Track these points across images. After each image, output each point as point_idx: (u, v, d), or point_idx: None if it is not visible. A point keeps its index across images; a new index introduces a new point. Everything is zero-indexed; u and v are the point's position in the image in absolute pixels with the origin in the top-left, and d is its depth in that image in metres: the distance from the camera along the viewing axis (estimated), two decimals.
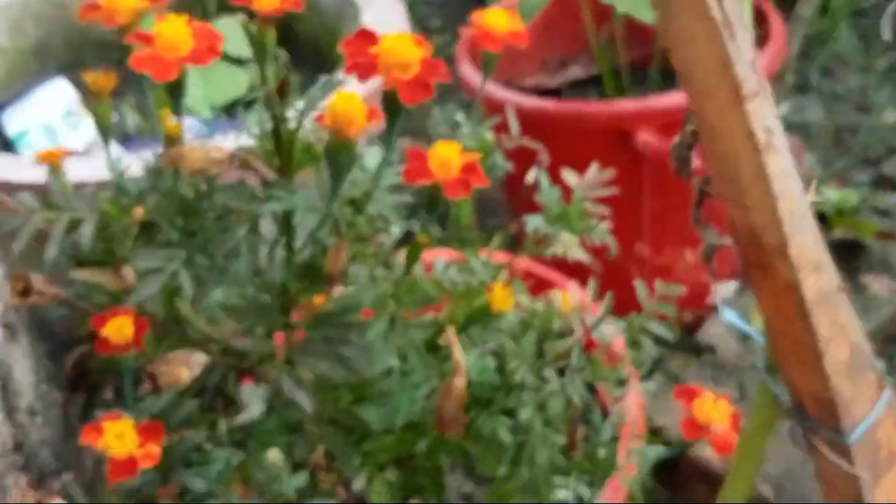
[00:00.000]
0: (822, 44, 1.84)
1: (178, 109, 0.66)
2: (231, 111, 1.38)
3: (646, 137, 1.18)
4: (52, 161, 0.78)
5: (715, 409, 0.76)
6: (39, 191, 0.76)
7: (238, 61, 1.33)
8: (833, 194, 1.52)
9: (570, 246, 0.89)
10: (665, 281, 1.31)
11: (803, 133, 1.68)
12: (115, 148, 1.47)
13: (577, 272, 1.12)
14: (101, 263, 0.72)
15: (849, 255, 1.48)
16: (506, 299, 0.74)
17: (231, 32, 0.70)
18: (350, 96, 0.60)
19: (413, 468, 0.80)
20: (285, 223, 0.72)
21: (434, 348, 0.75)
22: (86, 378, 0.79)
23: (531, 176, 0.92)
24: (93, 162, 0.97)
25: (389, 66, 0.61)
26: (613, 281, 0.92)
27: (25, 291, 0.65)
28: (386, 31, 0.63)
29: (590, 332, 0.90)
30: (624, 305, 1.07)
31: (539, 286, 0.99)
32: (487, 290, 0.75)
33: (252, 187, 0.70)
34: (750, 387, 1.26)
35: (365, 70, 0.61)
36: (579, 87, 1.47)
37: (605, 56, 1.38)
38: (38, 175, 0.81)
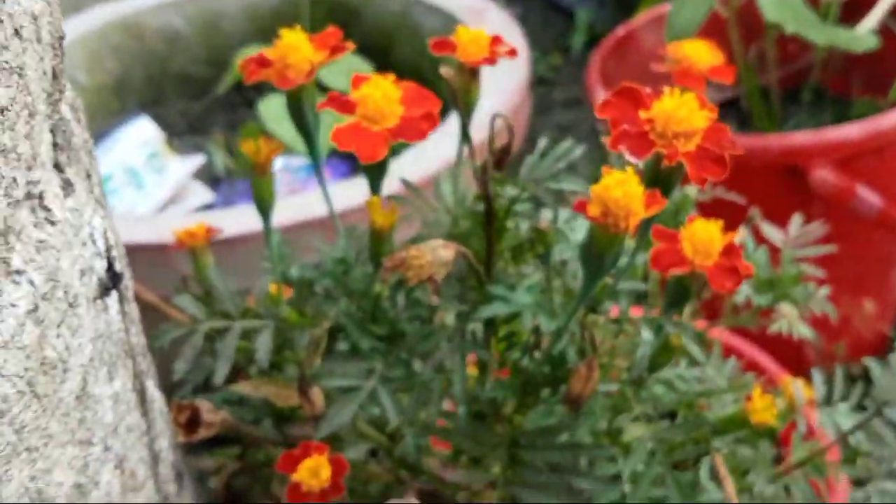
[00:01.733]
0: None
1: (378, 191, 0.52)
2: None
3: (824, 175, 1.03)
4: (196, 245, 0.64)
5: None
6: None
7: None
8: None
9: (794, 321, 0.74)
10: (842, 335, 1.14)
11: None
12: (205, 191, 1.33)
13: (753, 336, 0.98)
14: (267, 374, 0.58)
15: None
16: (767, 410, 0.59)
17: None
18: (628, 179, 0.45)
19: None
20: (491, 327, 0.58)
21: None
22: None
23: (739, 237, 0.77)
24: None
25: (669, 135, 0.47)
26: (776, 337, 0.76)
27: (193, 424, 0.52)
28: None
29: (813, 428, 0.76)
30: (791, 362, 0.93)
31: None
32: (746, 398, 0.60)
33: (459, 284, 0.56)
34: None
35: (639, 144, 0.47)
36: None
37: (752, 78, 1.23)
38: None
